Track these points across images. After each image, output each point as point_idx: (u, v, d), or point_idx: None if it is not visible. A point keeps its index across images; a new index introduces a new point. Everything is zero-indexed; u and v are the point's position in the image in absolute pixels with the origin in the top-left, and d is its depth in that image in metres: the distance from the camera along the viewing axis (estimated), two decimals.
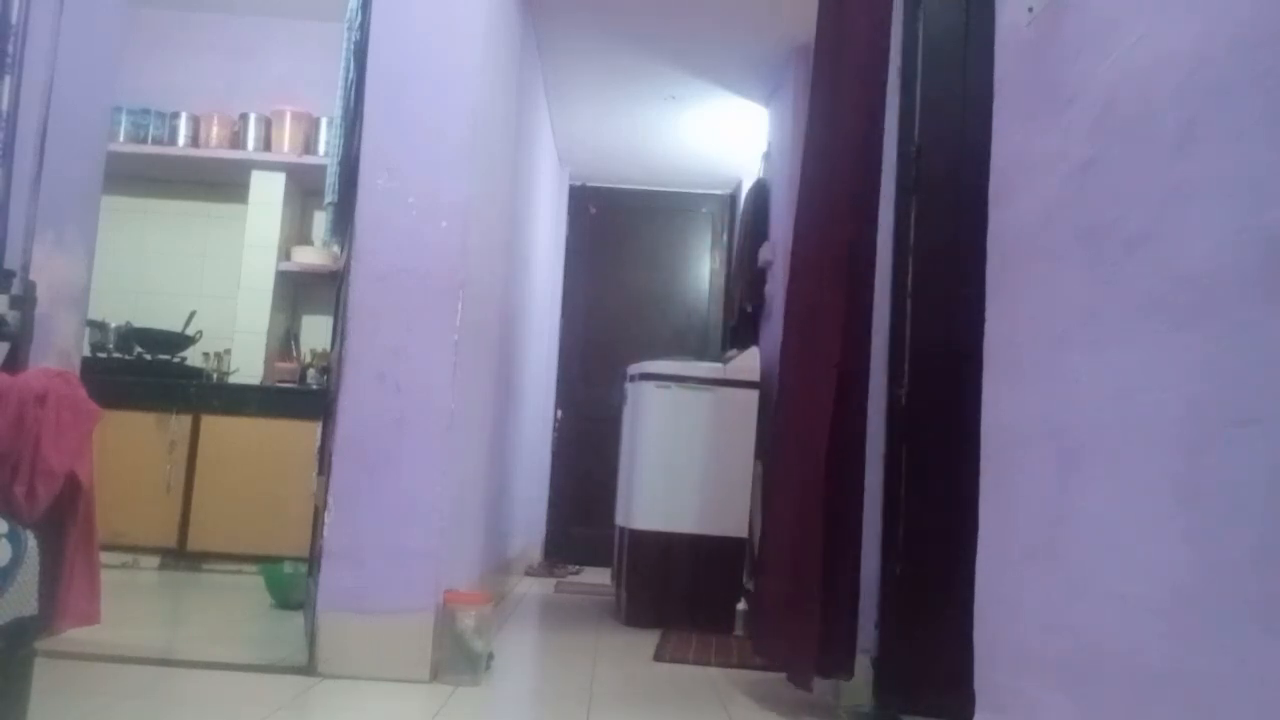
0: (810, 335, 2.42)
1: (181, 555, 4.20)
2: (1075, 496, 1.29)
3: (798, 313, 2.55)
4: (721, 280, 6.39)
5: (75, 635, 2.01)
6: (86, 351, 3.26)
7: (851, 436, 2.27)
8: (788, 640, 2.31)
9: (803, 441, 2.34)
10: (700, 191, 6.46)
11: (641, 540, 3.75)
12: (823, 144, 2.53)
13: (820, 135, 2.55)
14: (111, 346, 4.42)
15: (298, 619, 3.08)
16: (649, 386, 3.81)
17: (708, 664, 2.96)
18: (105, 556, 2.33)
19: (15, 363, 1.92)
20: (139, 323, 4.49)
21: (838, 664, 2.22)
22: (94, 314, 3.45)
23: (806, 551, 2.26)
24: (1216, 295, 1.03)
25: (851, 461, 2.26)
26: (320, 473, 2.83)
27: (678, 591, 3.69)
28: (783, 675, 2.71)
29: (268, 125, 4.72)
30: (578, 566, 5.49)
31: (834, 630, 2.19)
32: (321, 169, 3.23)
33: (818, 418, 2.29)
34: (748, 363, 3.86)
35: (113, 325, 4.44)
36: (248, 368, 4.59)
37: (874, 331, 2.36)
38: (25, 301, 1.97)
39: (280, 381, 4.53)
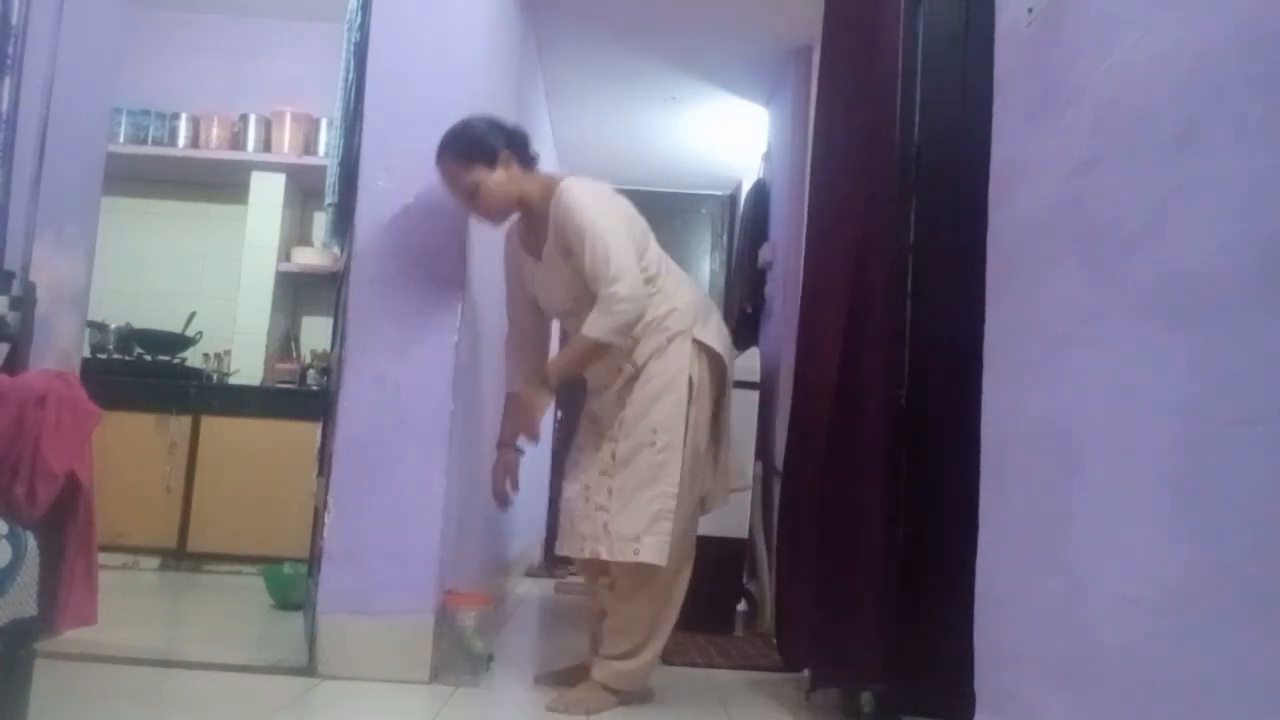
0: (822, 337, 2.41)
1: (182, 556, 4.20)
2: (1075, 496, 1.29)
3: (810, 313, 2.54)
4: (721, 281, 6.39)
5: (75, 636, 2.00)
6: (86, 352, 3.27)
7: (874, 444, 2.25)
8: (830, 649, 2.25)
9: (835, 450, 2.32)
10: (700, 192, 6.46)
11: None
12: (829, 142, 2.53)
13: (826, 133, 2.55)
14: (111, 347, 4.43)
15: (298, 620, 3.07)
16: None
17: (708, 665, 2.95)
18: (105, 557, 2.33)
19: (15, 363, 1.91)
20: (139, 323, 4.50)
21: (875, 674, 2.17)
22: (94, 315, 3.44)
23: (851, 561, 2.20)
24: (1216, 295, 1.02)
25: (880, 468, 2.23)
26: (320, 473, 2.82)
27: None
28: (782, 675, 2.71)
29: (268, 126, 4.72)
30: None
31: (879, 640, 2.15)
32: (321, 170, 3.23)
33: (849, 429, 2.27)
34: (748, 363, 3.86)
35: (113, 326, 4.44)
36: (248, 369, 4.59)
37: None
38: (25, 302, 1.97)
39: (280, 382, 4.53)
